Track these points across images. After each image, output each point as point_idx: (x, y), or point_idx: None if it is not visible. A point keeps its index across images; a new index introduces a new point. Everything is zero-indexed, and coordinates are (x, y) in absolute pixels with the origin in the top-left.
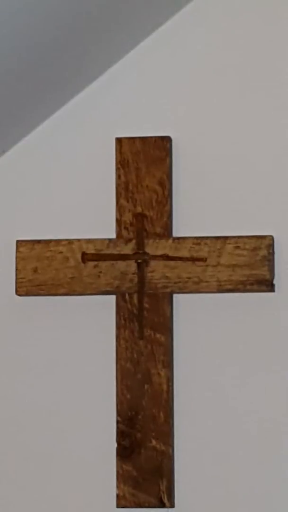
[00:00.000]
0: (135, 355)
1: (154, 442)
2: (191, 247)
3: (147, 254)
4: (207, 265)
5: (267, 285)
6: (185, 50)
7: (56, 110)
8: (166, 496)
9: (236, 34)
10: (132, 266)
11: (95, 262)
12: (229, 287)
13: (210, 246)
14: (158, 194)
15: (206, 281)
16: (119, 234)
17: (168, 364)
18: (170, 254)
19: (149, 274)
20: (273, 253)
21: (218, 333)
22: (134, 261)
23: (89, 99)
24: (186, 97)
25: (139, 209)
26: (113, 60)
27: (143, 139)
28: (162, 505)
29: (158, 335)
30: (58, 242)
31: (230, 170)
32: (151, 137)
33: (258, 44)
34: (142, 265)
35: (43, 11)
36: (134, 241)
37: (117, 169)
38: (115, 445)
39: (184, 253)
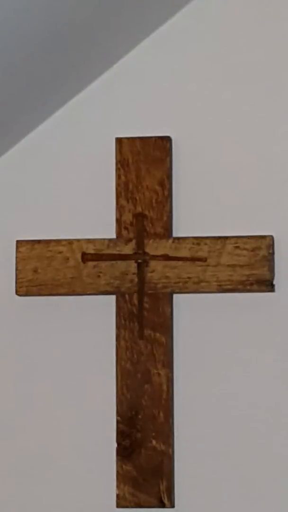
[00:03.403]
0: (135, 355)
1: (154, 442)
2: (191, 247)
3: (147, 254)
4: (207, 265)
5: (267, 285)
6: (185, 50)
7: (56, 110)
8: (166, 496)
9: (236, 34)
10: (132, 266)
11: (95, 262)
12: (229, 287)
13: (210, 246)
14: (158, 194)
15: (206, 281)
16: (119, 234)
17: (168, 364)
18: (170, 254)
19: (149, 274)
20: (273, 253)
21: (218, 333)
22: (134, 261)
23: (89, 99)
24: (186, 97)
25: (139, 209)
26: (113, 60)
27: (143, 139)
28: (162, 505)
29: (158, 335)
30: (58, 242)
31: (230, 170)
32: (151, 137)
33: (258, 44)
34: (142, 265)
35: (43, 11)
36: (134, 241)
37: (117, 169)
38: (115, 445)
39: (184, 253)
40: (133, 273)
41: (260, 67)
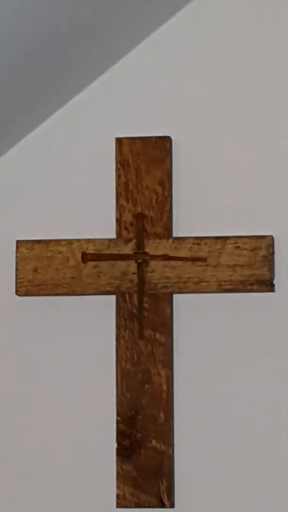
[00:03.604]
0: (135, 355)
1: (154, 442)
2: (191, 247)
3: (147, 254)
4: (207, 265)
5: (267, 285)
6: (185, 50)
7: (56, 110)
8: (166, 496)
9: (236, 34)
10: (132, 266)
11: (95, 262)
12: (229, 287)
13: (210, 246)
14: (158, 194)
15: (206, 281)
16: (119, 234)
17: (168, 364)
18: (170, 254)
19: (149, 274)
20: (273, 253)
21: (218, 333)
22: (134, 261)
23: (89, 99)
24: (186, 97)
25: (139, 209)
26: (113, 60)
27: (143, 139)
28: (162, 505)
29: (158, 335)
30: (58, 242)
31: (230, 170)
32: (151, 137)
33: (258, 44)
34: (142, 265)
35: (43, 11)
36: (134, 241)
37: (117, 169)
38: (115, 445)
39: (184, 253)
40: (133, 273)
41: (260, 67)
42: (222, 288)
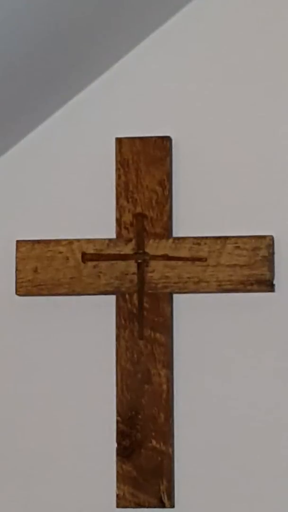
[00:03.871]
0: (135, 355)
1: (154, 442)
2: (191, 247)
3: (147, 254)
4: (207, 265)
5: (267, 285)
6: (185, 50)
7: (56, 110)
8: (166, 496)
9: (236, 34)
10: (132, 266)
11: (95, 262)
12: (229, 287)
13: (210, 246)
14: (158, 194)
15: (206, 281)
16: (119, 234)
17: (168, 364)
18: (170, 254)
19: (149, 274)
20: (273, 253)
21: (218, 333)
22: (134, 261)
23: (89, 99)
24: (186, 97)
25: (139, 209)
26: (113, 60)
27: (143, 139)
28: (162, 505)
29: (158, 335)
30: (58, 242)
31: (230, 170)
32: (151, 137)
33: (258, 44)
34: (142, 265)
35: (43, 11)
36: (134, 241)
37: (117, 169)
38: (115, 445)
39: (184, 253)
40: (133, 273)
41: (260, 67)
42: (222, 288)
